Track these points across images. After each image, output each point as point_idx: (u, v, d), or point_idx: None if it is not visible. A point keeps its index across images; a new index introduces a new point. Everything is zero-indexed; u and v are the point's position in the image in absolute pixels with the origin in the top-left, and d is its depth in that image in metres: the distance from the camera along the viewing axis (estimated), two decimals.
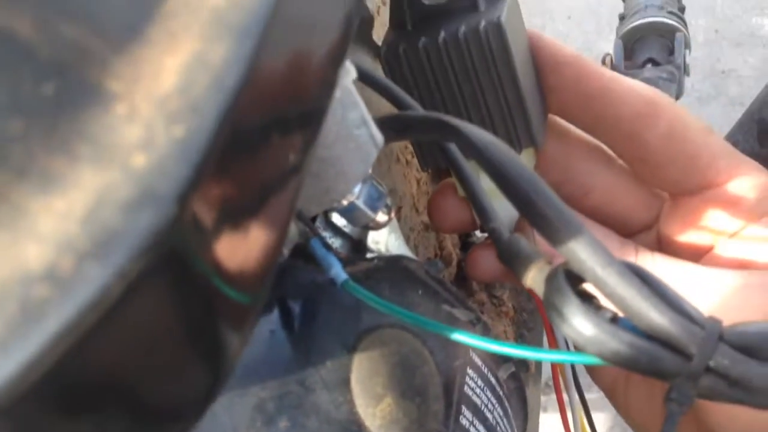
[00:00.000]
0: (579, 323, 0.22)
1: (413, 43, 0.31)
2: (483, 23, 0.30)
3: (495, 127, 0.32)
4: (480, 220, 0.30)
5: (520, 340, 0.49)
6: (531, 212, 0.24)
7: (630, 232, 0.35)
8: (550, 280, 0.24)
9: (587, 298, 0.24)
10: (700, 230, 0.33)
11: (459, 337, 0.24)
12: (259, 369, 0.25)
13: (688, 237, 0.33)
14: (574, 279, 0.24)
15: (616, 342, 0.22)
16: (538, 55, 0.32)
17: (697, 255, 0.33)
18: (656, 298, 0.22)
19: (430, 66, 0.31)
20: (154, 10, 0.13)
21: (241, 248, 0.18)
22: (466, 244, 0.50)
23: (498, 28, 0.30)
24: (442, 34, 0.30)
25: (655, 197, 0.35)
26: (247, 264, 0.18)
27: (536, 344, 0.50)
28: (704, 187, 0.32)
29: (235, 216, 0.16)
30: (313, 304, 0.27)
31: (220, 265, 0.16)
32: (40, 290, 0.10)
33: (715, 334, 0.22)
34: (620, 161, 0.35)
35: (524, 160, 0.34)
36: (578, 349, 0.23)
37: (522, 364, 0.45)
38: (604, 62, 0.67)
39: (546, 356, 0.24)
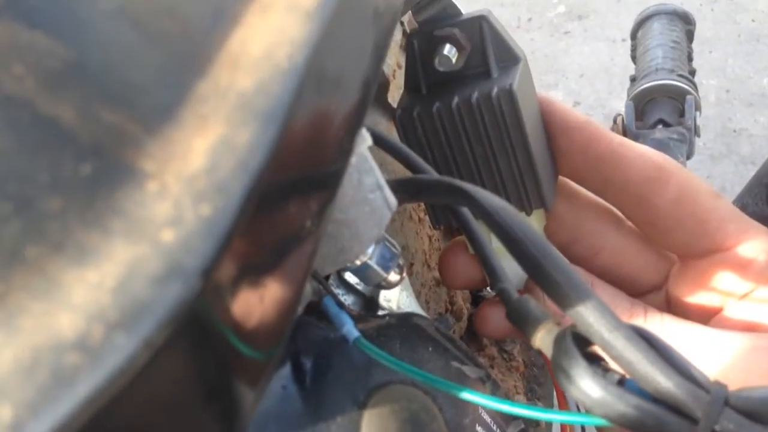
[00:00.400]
0: (586, 385, 0.23)
1: (427, 107, 0.32)
2: (495, 90, 0.31)
3: (506, 188, 0.33)
4: (489, 280, 0.30)
5: (531, 394, 0.49)
6: (539, 275, 0.25)
7: (639, 292, 0.35)
8: (558, 342, 0.25)
9: (595, 360, 0.24)
10: (710, 292, 0.33)
11: (468, 396, 0.25)
12: (270, 424, 0.26)
13: (697, 299, 0.33)
14: (582, 341, 0.24)
15: (622, 405, 0.22)
16: (549, 120, 0.33)
17: (706, 317, 0.33)
18: (663, 362, 0.23)
19: (443, 129, 0.32)
20: (187, 94, 0.14)
21: (259, 308, 0.18)
22: (476, 298, 0.51)
23: (510, 95, 0.31)
24: (456, 99, 0.31)
25: (665, 259, 0.35)
26: (264, 323, 0.19)
27: (547, 399, 0.50)
28: (713, 250, 0.32)
29: (253, 279, 0.17)
30: (324, 361, 0.28)
31: (238, 325, 0.17)
32: (72, 358, 0.11)
33: (720, 398, 0.22)
34: (629, 223, 0.35)
35: (534, 221, 0.34)
36: (586, 411, 0.23)
37: (531, 419, 0.45)
38: (615, 122, 0.68)
39: (554, 417, 0.24)
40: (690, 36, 0.77)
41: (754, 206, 0.44)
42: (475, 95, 0.31)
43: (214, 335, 0.15)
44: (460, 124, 0.32)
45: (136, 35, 0.14)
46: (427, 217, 0.44)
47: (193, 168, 0.13)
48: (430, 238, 0.44)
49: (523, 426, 0.34)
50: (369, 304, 0.33)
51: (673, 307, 0.35)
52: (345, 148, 0.22)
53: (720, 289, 0.33)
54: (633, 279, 0.35)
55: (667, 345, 0.24)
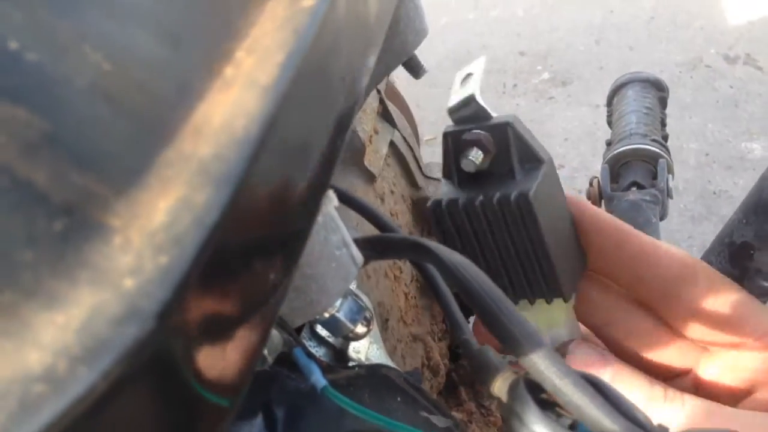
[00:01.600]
0: (538, 429, 0.24)
1: (455, 201, 0.34)
2: (514, 194, 0.33)
3: (527, 276, 0.35)
4: (452, 332, 0.32)
5: None
6: (495, 326, 0.27)
7: (668, 376, 0.37)
8: (513, 389, 0.26)
9: (548, 406, 0.26)
10: (738, 379, 0.35)
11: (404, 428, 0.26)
12: None
13: (725, 383, 0.35)
14: (536, 388, 0.26)
15: None
16: (579, 219, 0.35)
17: (734, 401, 0.34)
18: (609, 406, 0.24)
19: (469, 222, 0.34)
20: (153, 160, 0.16)
21: (222, 357, 0.20)
22: (454, 354, 0.52)
23: (527, 201, 0.33)
24: (480, 197, 0.33)
25: (693, 346, 0.37)
26: (227, 371, 0.20)
27: None
28: (740, 340, 0.34)
29: (216, 328, 0.18)
30: (296, 411, 0.29)
31: (201, 372, 0.18)
32: (38, 388, 0.12)
33: None
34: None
35: (555, 309, 0.36)
36: None
37: None
38: (591, 185, 0.70)
39: None
40: (663, 102, 0.80)
41: (718, 264, 0.45)
42: (497, 196, 0.33)
43: (176, 378, 0.17)
44: (484, 219, 0.34)
45: (108, 109, 0.16)
46: (403, 275, 0.45)
47: (155, 224, 0.15)
48: (406, 295, 0.45)
49: None
50: (339, 355, 0.34)
51: (701, 394, 0.36)
52: (309, 209, 0.24)
53: (748, 377, 0.34)
54: (662, 364, 0.37)
55: (614, 390, 0.25)
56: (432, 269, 0.33)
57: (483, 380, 0.29)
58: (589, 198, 0.71)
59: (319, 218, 0.27)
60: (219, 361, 0.19)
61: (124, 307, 0.13)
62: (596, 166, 1.19)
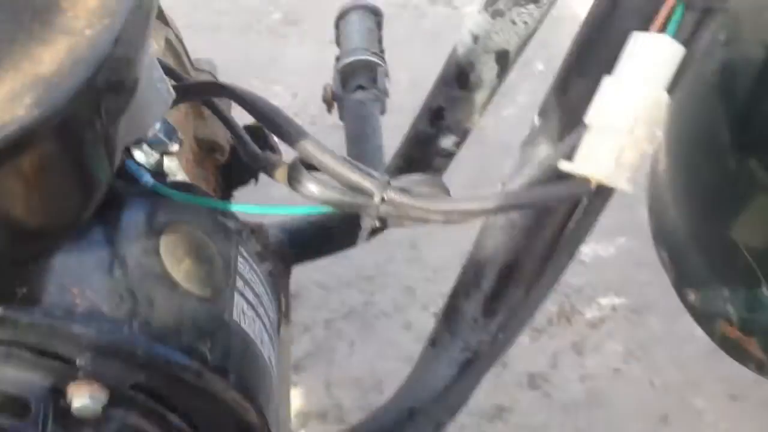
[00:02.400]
0: (309, 185, 0.38)
1: None
2: None
3: None
4: (241, 148, 0.44)
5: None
6: (277, 128, 0.40)
7: None
8: (291, 168, 0.39)
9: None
10: None
11: (229, 205, 0.38)
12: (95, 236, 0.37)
13: None
14: (307, 166, 0.39)
15: (329, 193, 0.37)
16: None
17: None
18: (352, 165, 0.38)
19: None
20: None
21: (113, 141, 0.30)
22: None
23: None
24: None
25: None
26: (112, 156, 0.31)
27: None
28: None
29: (113, 107, 0.29)
30: (129, 208, 0.39)
31: (106, 143, 0.29)
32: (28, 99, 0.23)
33: (385, 181, 0.38)
34: None
35: None
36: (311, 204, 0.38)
37: (284, 315, 0.58)
38: (325, 90, 0.85)
39: (287, 211, 0.39)
40: (379, 25, 0.98)
41: (422, 126, 0.62)
42: None
43: (94, 139, 0.27)
44: None
45: None
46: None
47: (92, 5, 0.25)
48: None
49: (271, 268, 0.48)
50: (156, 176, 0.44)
51: None
52: (147, 45, 0.34)
53: None
54: None
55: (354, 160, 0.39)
56: (218, 103, 0.44)
57: (270, 175, 0.41)
58: (324, 101, 0.86)
59: (145, 59, 0.37)
60: (112, 141, 0.30)
61: (91, 42, 0.24)
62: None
